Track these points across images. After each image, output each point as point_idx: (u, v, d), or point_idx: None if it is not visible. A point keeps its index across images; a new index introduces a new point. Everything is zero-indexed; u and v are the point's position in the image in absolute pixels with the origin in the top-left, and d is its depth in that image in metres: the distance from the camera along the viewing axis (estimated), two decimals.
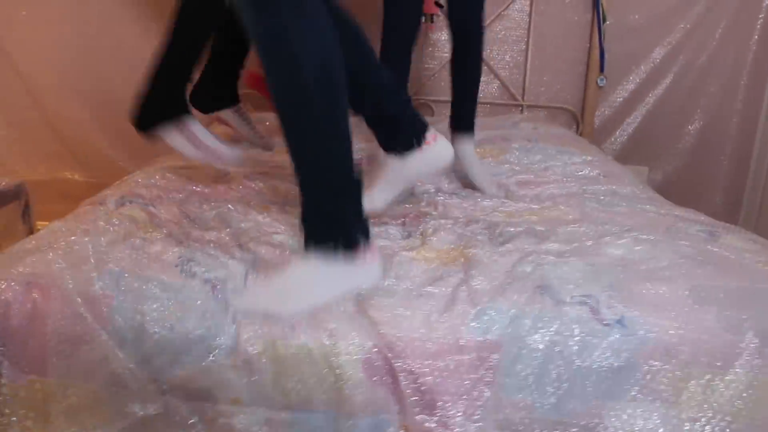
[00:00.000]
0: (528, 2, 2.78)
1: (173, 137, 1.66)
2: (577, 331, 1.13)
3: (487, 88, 2.84)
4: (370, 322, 1.15)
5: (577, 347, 1.12)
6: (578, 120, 2.86)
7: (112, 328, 1.16)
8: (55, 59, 2.85)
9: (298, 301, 1.17)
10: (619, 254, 1.33)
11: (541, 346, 1.12)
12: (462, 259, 1.32)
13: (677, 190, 2.94)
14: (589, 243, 1.39)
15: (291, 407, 1.15)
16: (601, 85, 2.79)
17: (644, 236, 1.41)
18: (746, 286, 1.22)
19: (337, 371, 1.12)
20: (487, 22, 2.60)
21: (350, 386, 1.12)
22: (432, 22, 2.77)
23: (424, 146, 1.41)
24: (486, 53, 2.68)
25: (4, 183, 2.21)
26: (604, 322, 1.13)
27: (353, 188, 1.20)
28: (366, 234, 1.21)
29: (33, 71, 2.86)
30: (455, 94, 2.03)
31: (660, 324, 1.13)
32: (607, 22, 2.74)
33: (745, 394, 1.10)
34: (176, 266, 1.23)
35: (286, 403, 1.15)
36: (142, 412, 1.17)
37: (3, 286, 1.18)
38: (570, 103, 2.87)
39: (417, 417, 1.12)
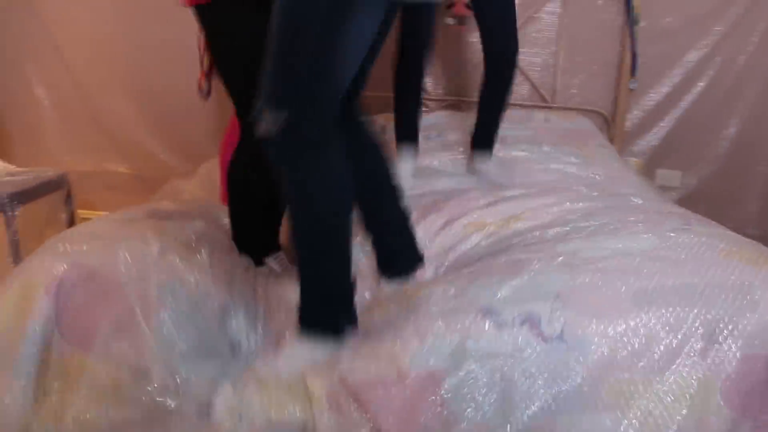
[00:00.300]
0: (559, 4, 2.77)
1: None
2: (519, 353, 1.14)
3: (518, 89, 2.82)
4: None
5: (521, 368, 1.13)
6: (609, 122, 2.83)
7: (157, 330, 1.27)
8: (102, 56, 3.01)
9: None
10: (571, 250, 1.34)
11: (485, 372, 1.14)
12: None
13: (712, 195, 2.90)
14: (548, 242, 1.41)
15: None
16: (632, 88, 2.77)
17: (600, 232, 1.41)
18: (695, 282, 1.21)
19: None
20: (518, 23, 2.61)
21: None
22: (463, 24, 2.79)
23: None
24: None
25: (48, 173, 2.34)
26: (546, 339, 1.14)
27: (347, 294, 1.38)
28: (352, 321, 1.37)
29: (82, 67, 3.02)
30: (480, 117, 2.15)
31: (601, 332, 1.14)
32: (640, 24, 2.71)
33: (688, 396, 1.09)
34: None
35: None
36: (159, 402, 1.25)
37: (69, 268, 1.29)
38: (600, 106, 2.85)
39: None
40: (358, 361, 1.22)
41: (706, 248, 1.32)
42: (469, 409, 1.13)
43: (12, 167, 2.44)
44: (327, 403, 1.16)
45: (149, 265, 1.37)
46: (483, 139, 2.19)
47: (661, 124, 2.88)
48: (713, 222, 1.56)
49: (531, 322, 1.17)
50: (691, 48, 2.79)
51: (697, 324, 1.14)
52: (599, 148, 2.47)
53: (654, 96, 2.84)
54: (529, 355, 1.14)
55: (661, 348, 1.12)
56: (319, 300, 1.35)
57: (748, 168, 2.88)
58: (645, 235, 1.38)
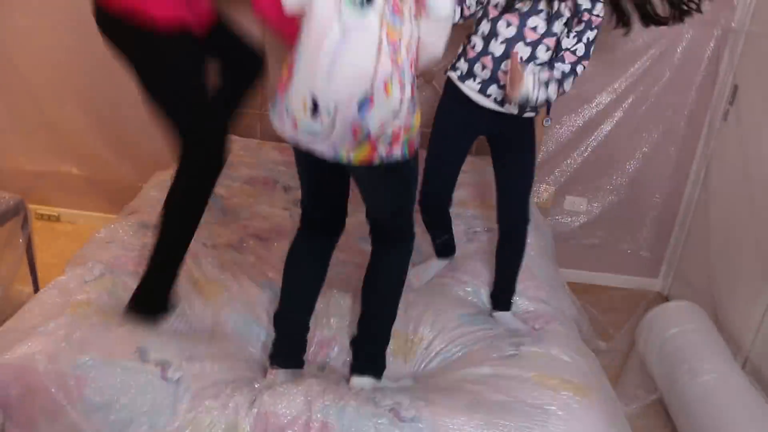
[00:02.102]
0: None
1: None
2: None
3: None
4: None
5: None
6: None
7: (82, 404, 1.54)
8: (55, 66, 3.14)
9: None
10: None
11: None
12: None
13: (612, 221, 3.27)
14: None
15: None
16: (546, 125, 3.04)
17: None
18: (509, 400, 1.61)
19: None
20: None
21: None
22: None
23: None
24: None
25: (5, 199, 2.54)
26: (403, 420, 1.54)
27: None
28: None
29: (35, 76, 3.16)
30: (497, 278, 2.21)
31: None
32: None
33: None
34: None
35: None
36: None
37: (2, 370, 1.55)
38: None
39: None
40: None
41: (524, 373, 1.71)
42: None
43: None
44: None
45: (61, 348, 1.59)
46: (500, 300, 2.19)
47: (572, 156, 3.19)
48: (544, 339, 1.92)
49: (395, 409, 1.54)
50: (602, 91, 3.08)
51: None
52: None
53: (567, 131, 3.14)
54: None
55: None
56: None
57: (644, 199, 3.24)
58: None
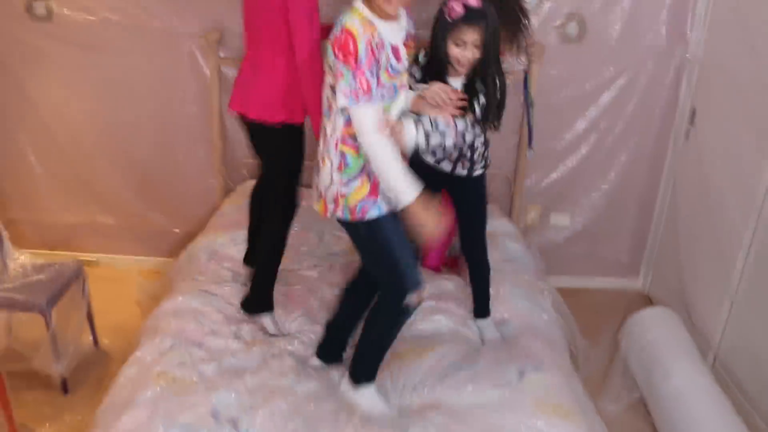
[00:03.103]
0: None
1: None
2: None
3: None
4: None
5: None
6: (511, 182, 3.52)
7: None
8: (85, 129, 3.52)
9: None
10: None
11: None
12: None
13: (593, 233, 3.66)
14: None
15: None
16: (529, 157, 3.42)
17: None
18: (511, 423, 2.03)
19: None
20: None
21: None
22: None
23: None
24: None
25: (66, 266, 2.93)
26: None
27: None
28: None
29: (67, 138, 3.54)
30: (474, 294, 2.73)
31: None
32: (534, 106, 3.34)
33: None
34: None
35: None
36: None
37: None
38: (505, 169, 3.52)
39: None
40: None
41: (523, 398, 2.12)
42: None
43: (30, 258, 2.97)
44: None
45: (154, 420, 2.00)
46: (479, 310, 2.72)
47: (554, 177, 3.57)
48: (546, 361, 2.33)
49: None
50: (579, 118, 3.45)
51: None
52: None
53: (549, 155, 3.52)
54: None
55: None
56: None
57: (621, 212, 3.63)
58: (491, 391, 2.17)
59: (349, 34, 1.88)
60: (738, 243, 2.78)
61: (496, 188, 3.53)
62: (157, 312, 2.58)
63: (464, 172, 2.47)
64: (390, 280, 2.12)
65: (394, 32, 2.01)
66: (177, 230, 3.70)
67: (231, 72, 3.33)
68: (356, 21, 1.91)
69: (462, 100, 2.18)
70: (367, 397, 2.19)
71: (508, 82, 2.34)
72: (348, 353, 2.39)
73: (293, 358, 2.33)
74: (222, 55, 3.31)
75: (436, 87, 2.18)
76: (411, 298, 2.10)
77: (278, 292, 2.65)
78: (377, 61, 1.91)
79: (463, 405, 2.13)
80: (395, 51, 2.01)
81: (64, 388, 2.85)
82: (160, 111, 3.45)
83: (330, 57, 1.94)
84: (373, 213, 2.03)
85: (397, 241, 2.07)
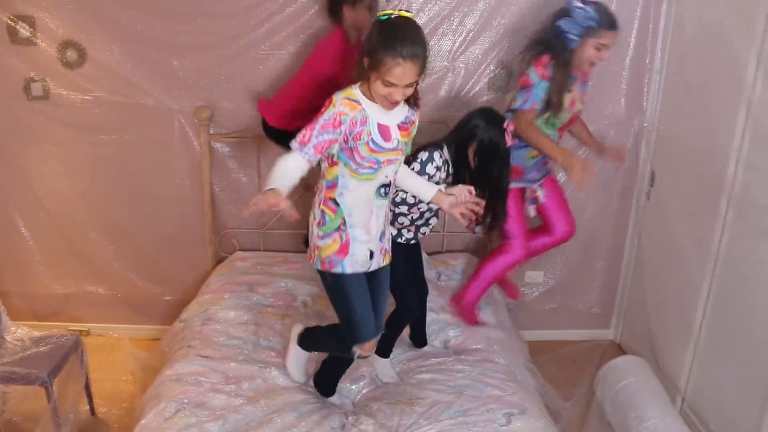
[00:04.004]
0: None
1: None
2: None
3: None
4: None
5: None
6: (486, 243, 3.73)
7: None
8: (77, 203, 3.64)
9: None
10: None
11: None
12: None
13: (566, 287, 3.88)
14: None
15: None
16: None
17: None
18: None
19: None
20: None
21: None
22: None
23: None
24: None
25: (64, 338, 3.02)
26: None
27: None
28: None
29: (60, 212, 3.65)
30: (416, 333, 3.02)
31: None
32: None
33: None
34: None
35: None
36: None
37: None
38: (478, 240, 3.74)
39: None
40: None
41: None
42: None
43: (27, 331, 3.06)
44: None
45: None
46: (417, 339, 3.04)
47: None
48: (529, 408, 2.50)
49: None
50: None
51: None
52: None
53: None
54: None
55: None
56: None
57: (590, 266, 3.87)
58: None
59: (329, 101, 2.17)
60: (698, 292, 3.02)
61: (475, 250, 3.74)
62: (157, 380, 2.68)
63: (414, 240, 2.87)
64: (344, 326, 2.43)
65: (388, 114, 2.23)
66: (169, 298, 3.81)
67: (221, 147, 3.52)
68: (341, 96, 2.17)
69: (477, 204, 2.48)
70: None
71: None
72: None
73: (296, 412, 2.45)
74: (212, 131, 3.50)
75: (462, 187, 2.49)
76: (357, 348, 2.42)
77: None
78: (338, 132, 2.16)
79: None
80: (383, 130, 2.23)
81: None
82: (152, 184, 3.61)
83: None
84: (337, 269, 2.33)
85: (354, 295, 2.35)
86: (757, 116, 2.65)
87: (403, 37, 2.04)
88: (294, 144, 2.17)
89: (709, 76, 3.00)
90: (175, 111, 3.48)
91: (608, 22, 2.78)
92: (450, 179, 2.72)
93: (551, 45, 2.83)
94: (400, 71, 2.05)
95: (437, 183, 2.62)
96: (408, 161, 2.58)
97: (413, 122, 2.35)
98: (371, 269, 2.40)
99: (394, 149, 2.28)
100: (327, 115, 2.14)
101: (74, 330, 3.86)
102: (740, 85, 2.72)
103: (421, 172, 2.60)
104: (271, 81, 3.45)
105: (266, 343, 2.91)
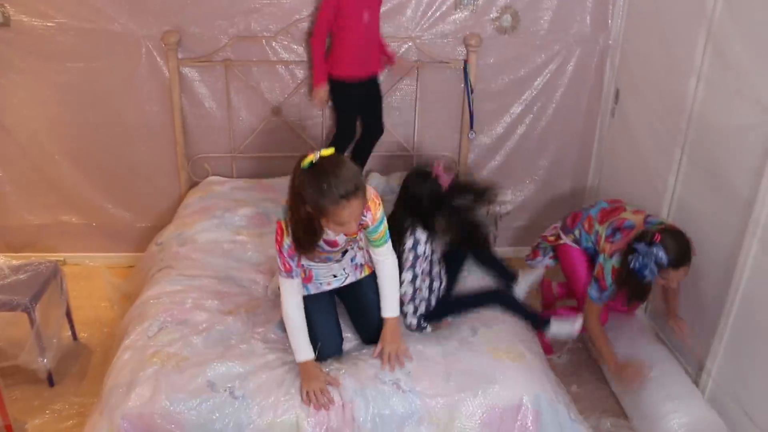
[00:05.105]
0: (415, 78, 3.63)
1: None
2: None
3: (386, 144, 3.73)
4: None
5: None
6: (457, 162, 3.81)
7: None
8: (48, 133, 3.61)
9: None
10: None
11: None
12: None
13: (533, 205, 4.00)
14: None
15: None
16: (471, 138, 3.72)
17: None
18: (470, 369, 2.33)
19: None
20: (384, 93, 3.56)
21: None
22: None
23: None
24: (384, 118, 3.60)
25: (44, 266, 3.06)
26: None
27: None
28: None
29: (30, 142, 3.61)
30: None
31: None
32: (475, 91, 3.63)
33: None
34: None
35: None
36: None
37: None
38: (450, 151, 3.81)
39: None
40: None
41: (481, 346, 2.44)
42: None
43: (6, 260, 3.07)
44: None
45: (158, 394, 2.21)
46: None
47: (496, 158, 3.88)
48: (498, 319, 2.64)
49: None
50: (515, 102, 3.76)
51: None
52: None
53: (489, 139, 3.82)
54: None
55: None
56: None
57: (557, 185, 3.98)
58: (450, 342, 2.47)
59: (280, 230, 2.20)
60: (661, 201, 3.15)
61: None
62: (139, 301, 2.75)
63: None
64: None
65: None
66: (143, 225, 3.84)
67: (190, 72, 3.50)
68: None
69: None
70: None
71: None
72: None
73: (277, 325, 2.54)
74: (181, 56, 3.47)
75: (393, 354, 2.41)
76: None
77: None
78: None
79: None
80: (329, 242, 2.29)
81: (50, 381, 2.99)
82: (121, 111, 3.58)
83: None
84: (304, 292, 2.41)
85: (317, 313, 2.41)
86: (716, 35, 2.72)
87: (336, 179, 2.04)
88: (283, 276, 2.26)
89: None
90: (142, 36, 3.43)
91: (677, 260, 2.59)
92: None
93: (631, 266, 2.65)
94: (348, 212, 2.07)
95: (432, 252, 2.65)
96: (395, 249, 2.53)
97: (364, 225, 2.31)
98: (344, 284, 2.51)
99: (343, 246, 2.36)
100: (285, 246, 2.21)
101: (50, 260, 3.91)
102: (701, 6, 2.78)
103: (415, 258, 2.58)
104: (237, 3, 3.42)
105: (244, 259, 2.98)
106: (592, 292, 2.83)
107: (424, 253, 2.59)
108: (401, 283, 2.55)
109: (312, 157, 2.07)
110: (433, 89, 3.69)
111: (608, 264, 2.76)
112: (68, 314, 3.21)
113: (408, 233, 2.59)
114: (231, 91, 3.57)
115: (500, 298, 2.81)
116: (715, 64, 2.74)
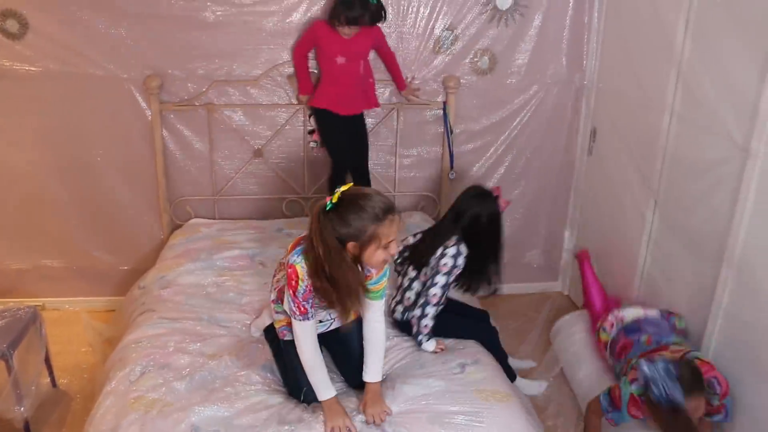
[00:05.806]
0: (396, 119, 3.69)
1: None
2: None
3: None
4: None
5: None
6: (437, 202, 3.84)
7: None
8: (28, 178, 3.59)
9: None
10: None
11: None
12: None
13: (513, 242, 3.99)
14: None
15: None
16: (452, 178, 3.76)
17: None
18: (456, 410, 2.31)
19: None
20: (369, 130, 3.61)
21: None
22: None
23: None
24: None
25: (23, 311, 3.01)
26: None
27: None
28: None
29: (10, 189, 3.59)
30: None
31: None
32: (454, 133, 3.69)
33: None
34: None
35: None
36: None
37: None
38: (431, 191, 3.85)
39: None
40: None
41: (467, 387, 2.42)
42: None
43: None
44: None
45: None
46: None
47: None
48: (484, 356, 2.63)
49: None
50: (495, 143, 3.82)
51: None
52: None
53: (470, 178, 3.85)
54: None
55: None
56: None
57: (536, 222, 4.03)
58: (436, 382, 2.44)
59: (295, 274, 2.18)
60: (639, 238, 3.20)
61: (425, 209, 3.86)
62: (120, 345, 2.71)
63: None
64: (291, 385, 2.45)
65: None
66: (125, 268, 3.82)
67: (171, 116, 3.53)
68: (305, 270, 2.18)
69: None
70: None
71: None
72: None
73: (262, 369, 2.52)
74: (164, 99, 3.51)
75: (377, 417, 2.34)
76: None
77: None
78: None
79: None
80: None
81: (27, 429, 2.91)
82: (104, 154, 3.59)
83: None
84: (287, 337, 2.43)
85: (299, 363, 2.35)
86: (685, 74, 2.81)
87: (371, 201, 2.09)
88: (299, 320, 2.25)
89: (642, 36, 3.15)
90: (124, 80, 3.46)
91: (685, 389, 2.33)
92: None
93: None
94: (395, 227, 2.12)
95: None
96: (427, 257, 2.69)
97: (369, 276, 2.31)
98: (330, 328, 2.50)
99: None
100: (300, 290, 2.19)
101: (29, 306, 3.86)
102: (670, 46, 2.88)
103: (453, 267, 2.64)
104: (219, 48, 3.47)
105: (227, 300, 2.96)
106: (604, 402, 2.62)
107: (461, 266, 2.65)
108: (434, 285, 2.63)
109: (334, 198, 2.10)
110: (414, 130, 3.74)
111: (626, 388, 2.54)
112: (47, 360, 3.16)
113: (454, 242, 2.65)
114: (213, 134, 3.60)
115: (487, 339, 2.84)
116: (687, 101, 2.82)
